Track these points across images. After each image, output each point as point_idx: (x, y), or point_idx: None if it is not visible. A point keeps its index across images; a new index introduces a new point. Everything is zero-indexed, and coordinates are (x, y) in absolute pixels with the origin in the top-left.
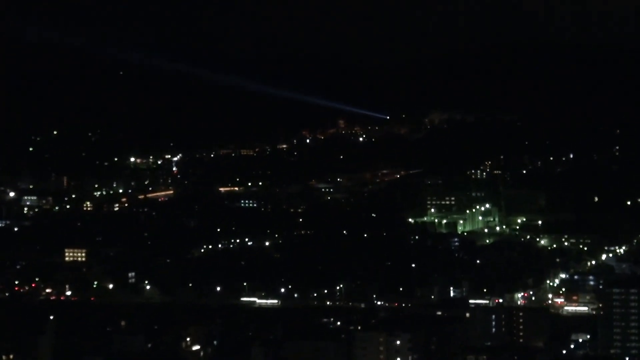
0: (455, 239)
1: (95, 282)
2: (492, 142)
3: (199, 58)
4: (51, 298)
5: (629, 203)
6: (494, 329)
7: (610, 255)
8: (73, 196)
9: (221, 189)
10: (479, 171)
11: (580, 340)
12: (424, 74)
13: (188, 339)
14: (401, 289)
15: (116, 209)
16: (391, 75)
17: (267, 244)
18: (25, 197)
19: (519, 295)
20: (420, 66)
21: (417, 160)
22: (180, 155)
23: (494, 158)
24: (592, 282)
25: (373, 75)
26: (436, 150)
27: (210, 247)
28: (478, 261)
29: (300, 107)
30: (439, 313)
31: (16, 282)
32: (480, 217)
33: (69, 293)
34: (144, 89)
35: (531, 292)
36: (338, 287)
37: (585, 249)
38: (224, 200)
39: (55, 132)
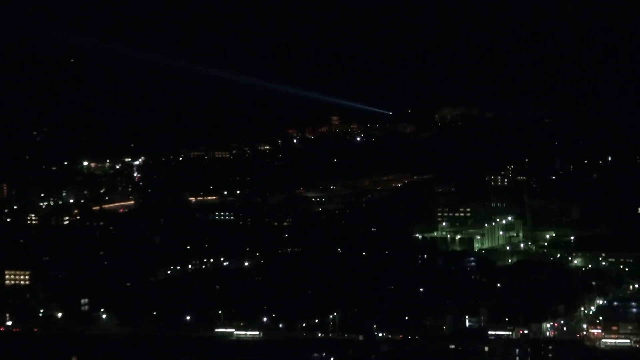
0: (471, 259)
1: (41, 310)
2: (516, 143)
3: (166, 45)
4: None
5: None
6: None
7: None
8: (15, 207)
9: (191, 198)
10: (499, 177)
11: None
12: (434, 61)
13: None
14: (407, 318)
15: (66, 222)
16: (394, 64)
17: (246, 264)
18: None
19: (548, 325)
20: (429, 52)
21: (426, 164)
22: (142, 158)
23: (518, 161)
24: (634, 310)
25: (373, 63)
26: (448, 152)
27: (178, 268)
28: (499, 285)
29: (285, 101)
30: (453, 346)
31: None
32: (501, 232)
33: (9, 323)
34: (100, 80)
35: (562, 322)
36: (331, 316)
37: (627, 269)
38: (194, 212)
39: None
